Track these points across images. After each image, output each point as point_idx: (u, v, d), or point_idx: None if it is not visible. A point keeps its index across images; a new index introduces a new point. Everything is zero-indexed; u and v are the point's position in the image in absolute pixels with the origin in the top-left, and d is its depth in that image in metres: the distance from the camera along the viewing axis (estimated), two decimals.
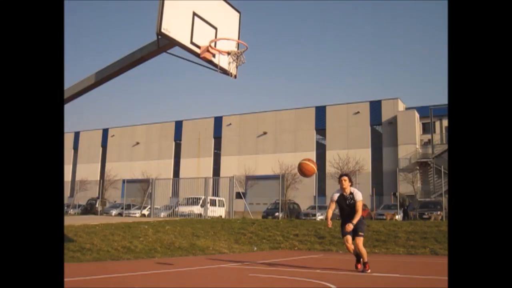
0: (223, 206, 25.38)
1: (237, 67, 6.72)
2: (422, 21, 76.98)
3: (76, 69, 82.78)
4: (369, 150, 36.89)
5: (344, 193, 6.52)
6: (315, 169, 6.13)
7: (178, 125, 46.64)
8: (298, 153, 38.43)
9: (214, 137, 44.27)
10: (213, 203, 24.04)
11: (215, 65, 6.70)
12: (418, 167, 33.01)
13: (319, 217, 23.95)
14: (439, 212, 19.97)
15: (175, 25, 6.16)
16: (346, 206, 6.57)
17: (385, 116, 36.90)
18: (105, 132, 50.92)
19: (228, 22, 7.09)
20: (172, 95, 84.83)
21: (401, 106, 37.71)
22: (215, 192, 25.29)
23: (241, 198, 24.39)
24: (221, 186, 26.60)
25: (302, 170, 6.18)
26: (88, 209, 32.22)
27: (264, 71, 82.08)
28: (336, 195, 6.66)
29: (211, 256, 10.22)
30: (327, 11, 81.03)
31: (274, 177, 27.98)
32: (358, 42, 78.63)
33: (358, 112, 37.79)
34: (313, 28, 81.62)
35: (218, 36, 6.75)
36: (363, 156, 33.24)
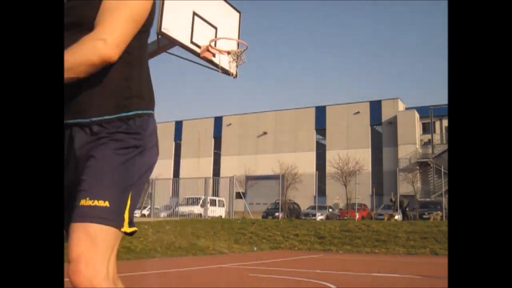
0: (223, 206, 25.37)
1: (237, 67, 6.72)
2: (422, 21, 77.01)
3: None
4: (369, 150, 36.88)
5: None
6: None
7: (178, 125, 46.65)
8: (298, 153, 38.43)
9: (214, 137, 44.26)
10: (213, 203, 24.03)
11: (215, 65, 6.70)
12: (418, 167, 32.99)
13: (319, 217, 23.95)
14: (438, 212, 19.97)
15: (175, 25, 6.16)
16: None
17: (385, 116, 36.89)
18: None
19: (228, 21, 7.09)
20: (172, 95, 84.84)
21: (401, 106, 37.71)
22: (215, 192, 25.28)
23: (241, 198, 24.38)
24: (221, 186, 26.59)
25: None
26: None
27: (264, 71, 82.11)
28: None
29: (211, 256, 10.22)
30: (327, 11, 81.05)
31: (274, 177, 27.97)
32: (358, 42, 78.64)
33: (358, 112, 37.78)
34: (313, 28, 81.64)
35: (218, 36, 6.76)
36: (363, 156, 33.22)
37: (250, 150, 41.28)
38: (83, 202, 1.27)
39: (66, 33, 1.39)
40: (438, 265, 8.71)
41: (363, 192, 27.94)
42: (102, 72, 1.34)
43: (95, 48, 1.28)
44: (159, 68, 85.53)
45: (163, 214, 23.50)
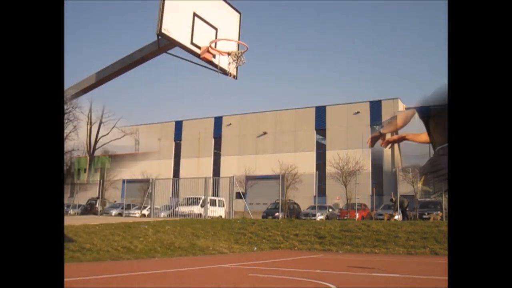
0: (223, 206, 25.36)
1: (237, 68, 6.73)
2: (422, 20, 76.99)
3: (76, 69, 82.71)
4: (369, 150, 36.88)
5: None
6: None
7: (178, 125, 46.65)
8: (298, 153, 38.43)
9: (214, 137, 44.26)
10: (213, 203, 24.02)
11: (215, 66, 6.71)
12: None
13: (319, 217, 23.94)
14: (438, 212, 19.95)
15: (175, 26, 6.17)
16: None
17: (385, 116, 36.91)
18: None
19: (228, 22, 7.09)
20: (172, 95, 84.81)
21: (401, 106, 37.72)
22: (215, 192, 25.28)
23: (241, 198, 24.36)
24: (221, 186, 26.58)
25: None
26: (88, 209, 32.18)
27: (264, 71, 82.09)
28: None
29: (211, 256, 10.22)
30: (327, 11, 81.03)
31: (274, 177, 27.96)
32: (358, 42, 78.62)
33: (358, 112, 37.81)
34: (313, 28, 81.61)
35: (218, 37, 6.76)
36: (363, 156, 33.23)
37: (250, 150, 41.28)
38: None
39: None
40: (438, 265, 8.71)
41: (363, 192, 27.93)
42: None
43: None
44: (160, 68, 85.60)
45: (163, 214, 23.49)
